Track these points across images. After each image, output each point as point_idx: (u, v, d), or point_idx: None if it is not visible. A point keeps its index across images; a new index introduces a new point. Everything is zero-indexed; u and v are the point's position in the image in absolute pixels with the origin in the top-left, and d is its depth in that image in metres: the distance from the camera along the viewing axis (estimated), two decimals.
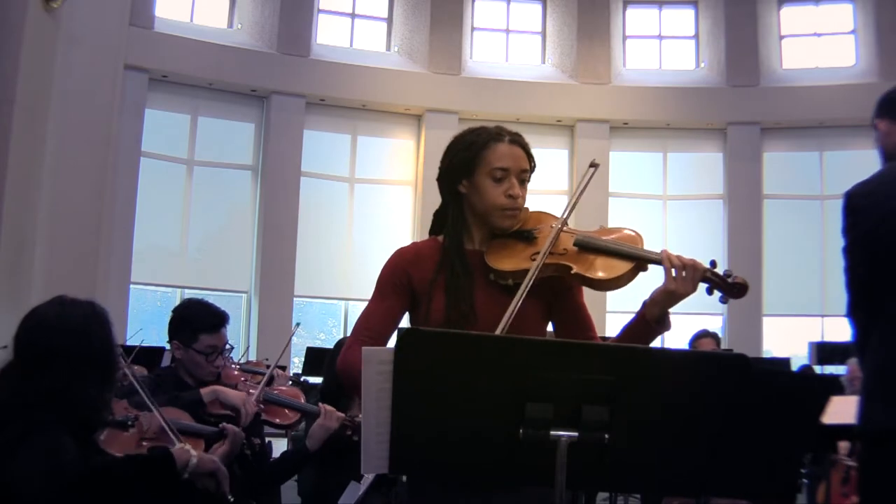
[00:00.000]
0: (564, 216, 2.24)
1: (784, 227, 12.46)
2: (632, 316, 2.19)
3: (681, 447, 1.63)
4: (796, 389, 1.70)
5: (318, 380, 6.37)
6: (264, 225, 11.79)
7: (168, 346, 3.43)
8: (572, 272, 2.15)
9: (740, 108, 12.42)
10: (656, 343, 2.20)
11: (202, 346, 3.25)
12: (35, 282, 7.72)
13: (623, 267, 2.13)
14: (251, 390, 3.41)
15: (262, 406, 3.40)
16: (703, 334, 5.57)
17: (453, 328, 2.13)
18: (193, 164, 11.79)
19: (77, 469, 2.18)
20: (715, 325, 10.89)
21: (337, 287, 12.26)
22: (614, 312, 9.43)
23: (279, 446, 5.34)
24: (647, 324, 2.14)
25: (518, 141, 2.29)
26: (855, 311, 2.57)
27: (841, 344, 8.44)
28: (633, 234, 2.23)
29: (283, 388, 3.64)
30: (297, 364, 10.37)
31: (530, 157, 2.30)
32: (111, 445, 2.61)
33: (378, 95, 12.22)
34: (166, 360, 3.81)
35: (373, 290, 2.31)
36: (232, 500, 2.59)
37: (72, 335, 2.30)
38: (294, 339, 9.45)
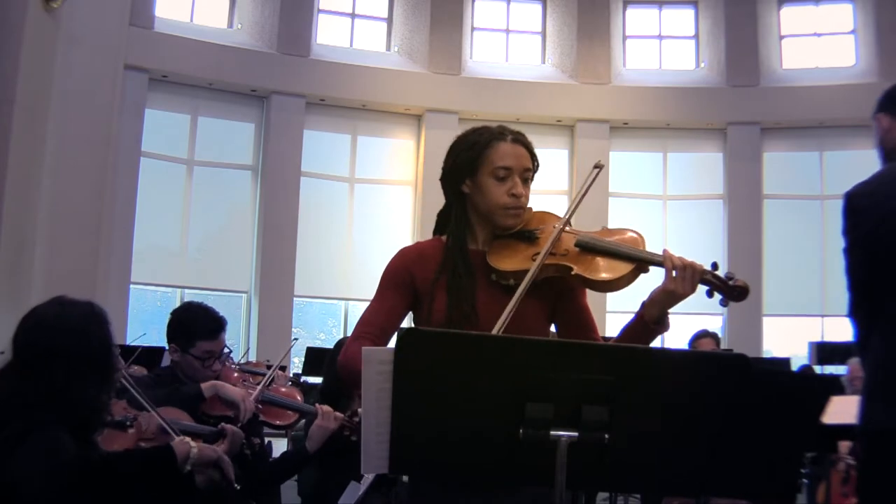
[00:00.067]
0: (566, 217, 2.24)
1: (784, 227, 12.46)
2: (632, 316, 2.19)
3: (681, 447, 1.63)
4: (796, 389, 1.70)
5: (317, 380, 6.37)
6: (264, 225, 11.79)
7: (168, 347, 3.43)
8: (573, 273, 2.15)
9: (740, 108, 12.42)
10: (656, 343, 2.20)
11: (199, 351, 3.25)
12: (35, 282, 7.73)
13: (624, 268, 2.13)
14: (250, 391, 3.41)
15: (259, 406, 3.40)
16: (703, 334, 5.57)
17: (455, 328, 2.13)
18: (193, 164, 11.79)
19: (77, 468, 2.18)
20: (715, 325, 10.89)
21: (337, 287, 12.26)
22: (614, 312, 9.43)
23: (279, 447, 5.34)
24: (646, 324, 2.14)
25: (521, 140, 2.29)
26: (856, 312, 2.57)
27: (841, 344, 8.44)
28: (635, 235, 2.23)
29: (283, 388, 3.64)
30: (297, 364, 10.37)
31: (533, 157, 2.30)
32: (110, 446, 2.61)
33: (378, 95, 12.22)
34: (166, 360, 3.80)
35: (375, 289, 2.31)
36: (238, 487, 2.59)
37: (71, 335, 2.31)
38: (294, 339, 9.49)
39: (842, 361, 6.70)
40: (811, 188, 12.57)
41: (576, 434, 1.56)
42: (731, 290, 2.09)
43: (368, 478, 3.40)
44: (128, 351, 5.96)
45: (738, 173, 12.50)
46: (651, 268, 2.14)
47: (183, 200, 11.72)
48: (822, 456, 4.80)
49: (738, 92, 12.43)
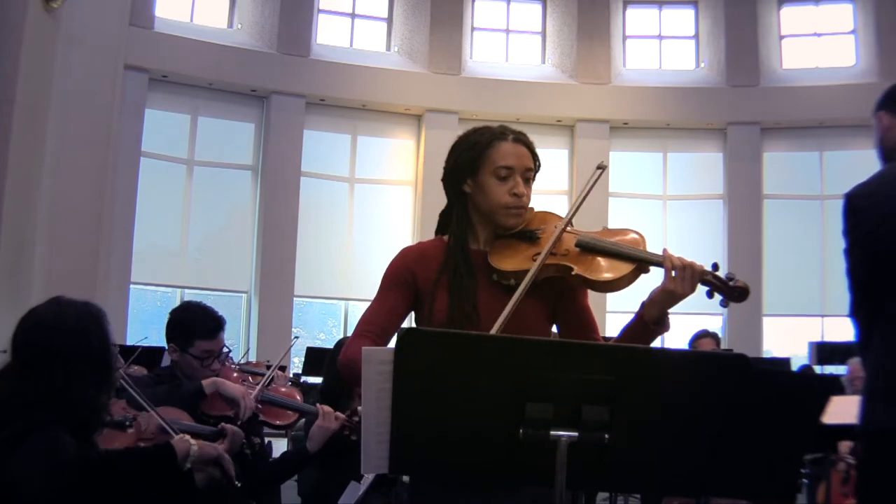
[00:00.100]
0: (568, 217, 2.24)
1: (784, 227, 12.46)
2: (632, 317, 2.19)
3: (681, 447, 1.63)
4: (796, 389, 1.70)
5: (317, 380, 6.37)
6: (264, 225, 11.79)
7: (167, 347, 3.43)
8: (573, 273, 2.14)
9: (740, 108, 12.42)
10: (656, 343, 2.20)
11: (198, 350, 3.25)
12: (35, 282, 7.73)
13: (624, 269, 2.13)
14: (250, 390, 3.40)
15: (259, 406, 3.40)
16: (704, 334, 5.57)
17: (456, 328, 2.13)
18: (193, 164, 11.79)
19: (77, 467, 2.18)
20: (715, 325, 10.89)
21: (337, 287, 12.26)
22: (614, 312, 9.43)
23: (279, 447, 5.34)
24: (646, 325, 2.14)
25: (522, 140, 2.29)
26: (857, 312, 2.57)
27: (841, 344, 8.44)
28: (636, 236, 2.23)
29: (283, 388, 3.64)
30: (297, 364, 10.37)
31: (535, 156, 2.29)
32: (109, 446, 2.61)
33: (378, 95, 12.22)
34: (166, 361, 3.80)
35: (376, 289, 2.31)
36: (239, 485, 2.58)
37: (69, 335, 2.31)
38: (294, 337, 9.50)
39: (842, 361, 6.70)
40: (811, 188, 12.57)
41: (576, 434, 1.56)
42: (732, 291, 2.09)
43: (368, 478, 3.41)
44: (128, 351, 5.97)
45: (738, 173, 12.50)
46: (652, 268, 2.14)
47: (183, 200, 11.72)
48: (822, 456, 4.80)
49: (738, 92, 12.44)
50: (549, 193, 11.58)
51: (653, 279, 2.16)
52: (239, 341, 11.31)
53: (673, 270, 2.09)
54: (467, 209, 2.30)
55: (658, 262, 2.13)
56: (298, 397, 3.71)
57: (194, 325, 3.27)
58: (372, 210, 12.47)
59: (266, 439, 3.90)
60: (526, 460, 1.61)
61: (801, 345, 10.85)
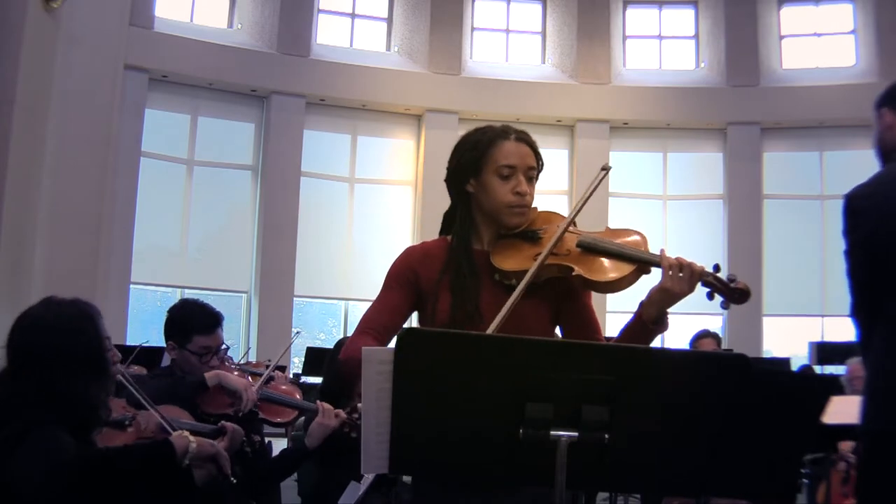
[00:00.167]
0: (570, 217, 2.23)
1: (784, 227, 12.46)
2: (631, 316, 2.19)
3: (681, 447, 1.63)
4: (796, 389, 1.70)
5: (317, 380, 6.37)
6: (264, 225, 11.79)
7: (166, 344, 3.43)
8: (573, 273, 2.14)
9: (740, 108, 12.42)
10: (656, 343, 2.20)
11: (196, 346, 3.26)
12: (35, 282, 7.72)
13: (625, 269, 2.12)
14: (251, 382, 3.40)
15: (258, 403, 3.40)
16: (704, 334, 5.58)
17: (458, 328, 2.13)
18: (193, 164, 11.79)
19: (77, 467, 2.18)
20: (715, 325, 10.89)
21: (337, 287, 12.26)
22: (614, 312, 9.43)
23: (279, 446, 5.34)
24: (645, 324, 2.14)
25: (525, 139, 2.29)
26: (857, 313, 2.57)
27: (841, 344, 8.43)
28: (637, 237, 2.22)
29: (283, 386, 3.64)
30: (297, 364, 10.37)
31: (538, 155, 2.29)
32: (108, 444, 2.61)
33: (378, 95, 12.22)
34: (166, 361, 3.80)
35: (375, 288, 2.31)
36: (234, 481, 2.58)
37: (63, 334, 2.32)
38: (296, 331, 9.50)
39: (842, 361, 6.69)
40: (811, 188, 12.57)
41: (576, 434, 1.56)
42: (733, 293, 2.08)
43: (368, 478, 3.41)
44: (127, 351, 5.97)
45: (738, 173, 12.50)
46: (653, 269, 2.14)
47: (183, 200, 11.72)
48: (822, 456, 4.80)
49: (738, 92, 12.44)
50: (549, 193, 11.58)
51: (654, 279, 2.16)
52: (239, 341, 11.31)
53: (670, 269, 2.08)
54: (471, 209, 2.29)
55: (657, 262, 2.12)
56: (298, 396, 3.71)
57: (192, 321, 3.28)
58: (372, 210, 12.47)
59: (266, 439, 3.90)
60: (526, 460, 1.61)
61: (801, 345, 10.85)
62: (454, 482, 2.10)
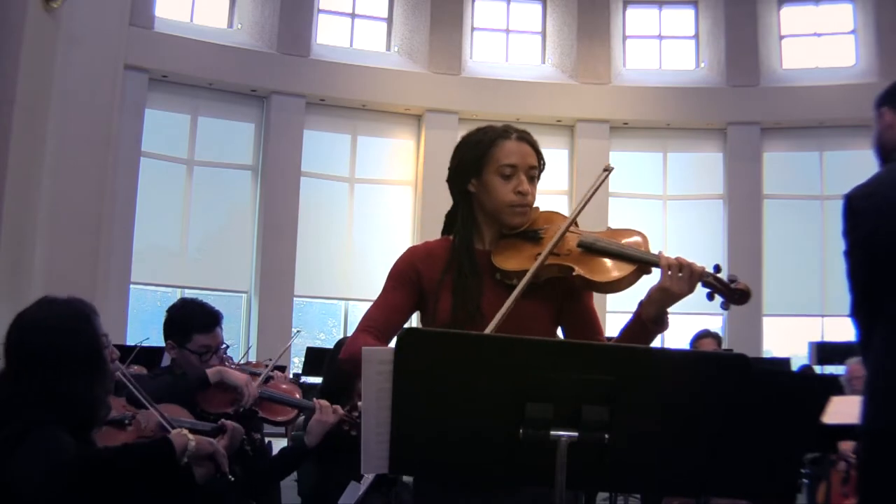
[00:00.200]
0: (571, 217, 2.23)
1: (784, 227, 12.46)
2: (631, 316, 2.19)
3: (681, 447, 1.63)
4: (796, 389, 1.70)
5: (317, 380, 6.37)
6: (264, 225, 11.79)
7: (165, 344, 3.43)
8: (574, 273, 2.14)
9: (740, 108, 12.42)
10: (656, 343, 2.20)
11: (196, 345, 3.26)
12: (35, 282, 7.72)
13: (626, 269, 2.12)
14: (252, 378, 3.41)
15: (259, 401, 3.39)
16: (705, 334, 5.58)
17: (460, 328, 2.13)
18: (193, 164, 11.79)
19: (77, 467, 2.18)
20: (715, 325, 10.88)
21: (337, 287, 12.26)
22: (614, 312, 9.43)
23: (279, 446, 5.33)
24: (644, 324, 2.13)
25: (526, 138, 2.29)
26: (857, 313, 2.57)
27: (841, 344, 8.44)
28: (638, 238, 2.21)
29: (284, 385, 3.64)
30: (297, 364, 10.37)
31: (539, 155, 2.29)
32: (108, 444, 2.61)
33: (378, 95, 12.22)
34: (166, 360, 3.80)
35: (375, 288, 2.31)
36: (232, 479, 2.58)
37: (61, 334, 2.32)
38: (294, 339, 9.49)
39: (842, 361, 6.70)
40: (811, 188, 12.57)
41: (576, 434, 1.56)
42: (733, 294, 2.07)
43: (368, 478, 3.40)
44: (127, 351, 5.97)
45: (738, 173, 12.50)
46: (655, 269, 2.13)
47: (183, 200, 11.72)
48: (822, 456, 4.80)
49: (738, 92, 12.44)
50: (549, 193, 11.57)
51: (655, 280, 2.15)
52: (239, 341, 11.31)
53: (669, 269, 2.08)
54: (472, 209, 2.30)
55: (656, 262, 2.12)
56: (298, 395, 3.71)
57: (191, 320, 3.28)
58: (372, 210, 12.47)
59: (266, 439, 3.90)
60: (526, 460, 1.61)
61: (801, 345, 10.86)
62: (454, 482, 2.10)
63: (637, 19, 13.22)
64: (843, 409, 3.09)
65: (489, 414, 1.59)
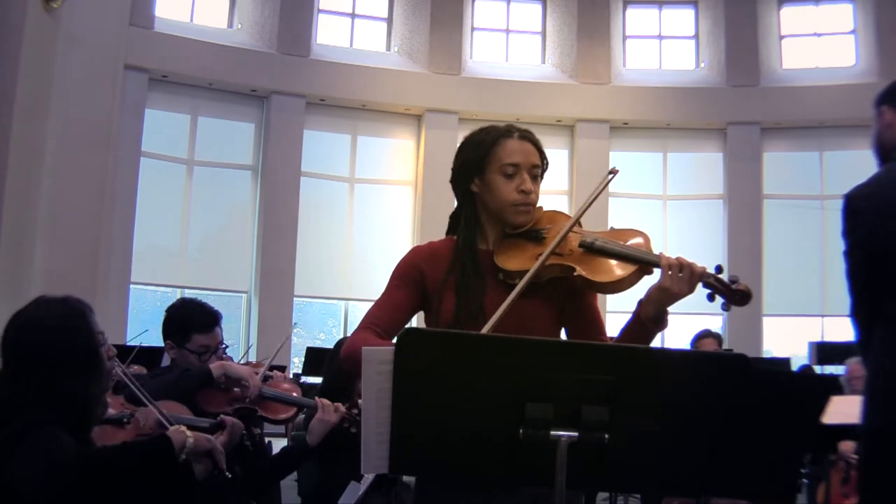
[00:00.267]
0: (575, 217, 2.22)
1: (784, 227, 12.46)
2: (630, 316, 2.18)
3: (681, 447, 1.63)
4: (796, 389, 1.71)
5: (317, 380, 6.37)
6: (264, 225, 11.79)
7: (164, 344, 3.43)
8: (575, 273, 2.13)
9: (740, 108, 12.42)
10: (656, 343, 2.20)
11: (195, 345, 3.26)
12: (35, 282, 7.72)
13: (627, 270, 2.11)
14: (255, 371, 3.41)
15: (261, 396, 3.39)
16: (706, 334, 5.59)
17: (463, 328, 2.13)
18: (193, 164, 11.79)
19: (77, 466, 2.18)
20: (715, 325, 10.87)
21: (337, 287, 12.26)
22: (615, 312, 9.42)
23: (279, 446, 5.34)
24: (643, 323, 2.13)
25: (528, 137, 2.29)
26: (857, 313, 2.57)
27: (841, 344, 8.44)
28: (640, 238, 2.21)
29: (284, 384, 3.64)
30: (297, 364, 10.37)
31: (542, 154, 2.29)
32: (107, 443, 2.61)
33: (378, 95, 12.22)
34: (166, 361, 3.80)
35: (375, 287, 2.31)
36: (230, 476, 2.58)
37: (59, 333, 2.32)
38: (294, 339, 9.48)
39: (841, 361, 6.70)
40: (811, 188, 12.57)
41: (576, 434, 1.56)
42: (734, 295, 2.06)
43: (368, 478, 3.41)
44: (126, 351, 5.96)
45: (738, 173, 12.50)
46: (656, 270, 2.12)
47: (183, 200, 11.72)
48: (822, 456, 4.80)
49: (738, 92, 12.44)
50: (549, 193, 11.55)
51: (656, 280, 2.15)
52: (239, 341, 11.31)
53: (669, 269, 2.08)
54: (476, 209, 2.29)
55: (656, 262, 2.12)
56: (297, 395, 3.71)
57: (190, 319, 3.29)
58: (372, 210, 12.47)
59: (266, 439, 3.90)
60: (526, 460, 1.61)
61: (801, 345, 10.86)
62: (454, 482, 2.10)
63: (637, 19, 13.22)
64: (843, 409, 3.09)
65: (489, 414, 1.59)
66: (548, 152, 2.33)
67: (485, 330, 2.01)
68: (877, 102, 2.74)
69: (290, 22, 11.92)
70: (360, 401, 2.92)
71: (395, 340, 1.89)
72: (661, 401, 1.58)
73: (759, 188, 12.53)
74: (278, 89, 11.87)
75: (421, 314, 2.32)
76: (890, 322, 2.47)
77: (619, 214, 11.93)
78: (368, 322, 2.23)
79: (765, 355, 11.45)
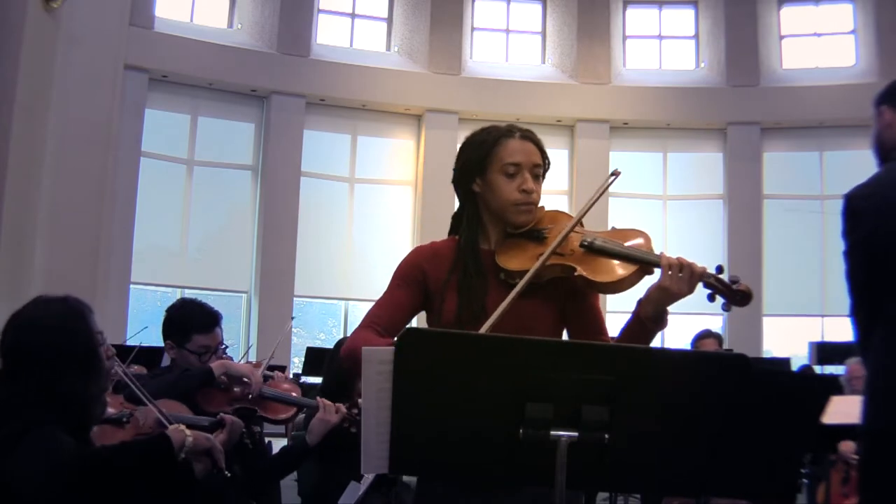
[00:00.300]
0: (577, 217, 2.22)
1: (784, 227, 12.46)
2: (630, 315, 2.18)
3: (681, 447, 1.63)
4: (796, 389, 1.70)
5: (317, 380, 6.37)
6: (264, 225, 11.79)
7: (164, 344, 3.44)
8: (576, 273, 2.13)
9: (740, 108, 12.42)
10: (656, 343, 2.20)
11: (195, 345, 3.27)
12: (35, 282, 7.72)
13: (628, 270, 2.11)
14: (256, 367, 3.42)
15: (262, 396, 3.40)
16: (706, 334, 5.59)
17: (464, 328, 2.13)
18: (193, 164, 11.79)
19: (77, 466, 2.18)
20: (715, 325, 10.86)
21: (337, 287, 12.26)
22: (615, 312, 9.42)
23: (279, 446, 5.33)
24: (643, 323, 2.13)
25: (530, 137, 2.29)
26: (857, 313, 2.57)
27: (841, 344, 8.44)
28: (641, 238, 2.21)
29: (284, 384, 3.64)
30: (297, 364, 10.37)
31: (543, 154, 2.29)
32: (106, 442, 2.61)
33: (378, 95, 12.22)
34: (166, 361, 3.80)
35: (376, 287, 2.31)
36: (229, 475, 2.58)
37: (58, 333, 2.33)
38: (294, 339, 9.47)
39: (841, 361, 6.70)
40: (811, 188, 12.57)
41: (576, 434, 1.56)
42: (734, 295, 2.06)
43: (368, 478, 3.41)
44: (126, 351, 5.96)
45: (738, 173, 12.50)
46: (657, 270, 2.12)
47: (183, 200, 11.72)
48: (822, 456, 4.80)
49: (738, 92, 12.44)
50: (549, 193, 11.46)
51: (656, 280, 2.14)
52: (239, 341, 11.31)
53: (669, 269, 2.08)
54: (478, 209, 2.29)
55: (657, 262, 2.12)
56: (297, 395, 3.71)
57: (190, 320, 3.29)
58: (372, 210, 12.47)
59: (266, 439, 3.90)
60: (526, 460, 1.61)
61: (801, 345, 10.86)
62: (454, 482, 2.10)
63: (637, 19, 13.22)
64: (843, 409, 3.09)
65: (489, 414, 1.59)
66: (548, 152, 2.33)
67: (483, 329, 2.01)
68: (876, 102, 2.74)
69: (290, 22, 11.92)
70: (360, 400, 2.92)
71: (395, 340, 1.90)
72: (661, 401, 1.58)
73: (759, 188, 12.53)
74: (278, 89, 11.87)
75: (421, 314, 2.32)
76: (890, 322, 2.47)
77: (620, 214, 11.92)
78: (369, 321, 2.23)
79: (765, 355, 11.46)
